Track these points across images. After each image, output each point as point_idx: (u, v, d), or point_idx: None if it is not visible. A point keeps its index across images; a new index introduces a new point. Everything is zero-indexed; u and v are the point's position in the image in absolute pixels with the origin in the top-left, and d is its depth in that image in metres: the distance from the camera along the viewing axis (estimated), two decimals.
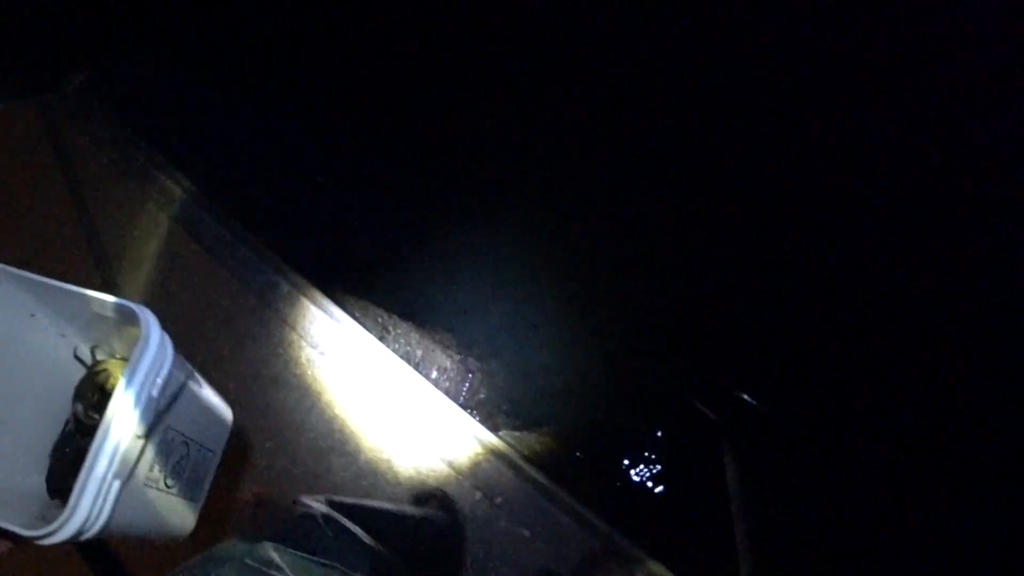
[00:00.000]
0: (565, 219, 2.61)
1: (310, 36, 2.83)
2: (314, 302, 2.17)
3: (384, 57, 2.75)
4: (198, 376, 1.38)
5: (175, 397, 1.27)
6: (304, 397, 2.09)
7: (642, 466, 2.33)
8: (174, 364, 1.26)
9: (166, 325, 1.29)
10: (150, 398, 1.19)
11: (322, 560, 1.32)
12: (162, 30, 2.81)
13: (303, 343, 2.15)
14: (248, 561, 1.23)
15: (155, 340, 1.20)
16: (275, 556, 1.24)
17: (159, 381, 1.21)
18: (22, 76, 2.50)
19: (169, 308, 2.27)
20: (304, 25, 2.84)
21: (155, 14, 2.78)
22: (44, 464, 1.44)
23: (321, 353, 2.14)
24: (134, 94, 2.67)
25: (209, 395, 1.47)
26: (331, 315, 2.18)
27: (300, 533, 1.41)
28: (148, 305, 1.25)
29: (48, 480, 1.43)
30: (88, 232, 2.32)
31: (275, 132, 2.75)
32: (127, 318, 1.25)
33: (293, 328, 2.12)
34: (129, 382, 1.14)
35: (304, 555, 1.30)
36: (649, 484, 2.30)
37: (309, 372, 2.10)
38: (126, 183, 2.39)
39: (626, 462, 2.36)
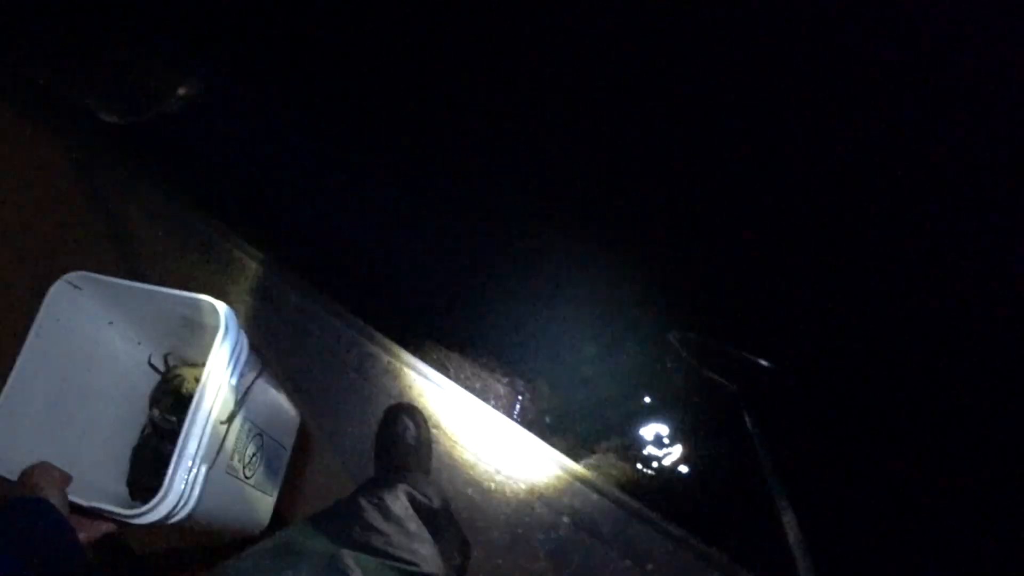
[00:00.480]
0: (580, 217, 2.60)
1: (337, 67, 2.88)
2: (410, 367, 2.12)
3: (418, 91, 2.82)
4: (268, 373, 1.45)
5: (249, 389, 1.34)
6: None
7: (689, 456, 2.30)
8: (250, 356, 1.34)
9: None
10: (231, 386, 1.27)
11: (395, 563, 1.36)
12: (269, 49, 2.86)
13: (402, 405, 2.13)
14: (335, 562, 1.25)
15: (233, 331, 1.27)
16: (351, 563, 1.27)
17: (238, 370, 1.29)
18: (129, 89, 2.58)
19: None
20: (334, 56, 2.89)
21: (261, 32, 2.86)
22: (124, 467, 1.51)
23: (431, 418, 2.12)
24: (180, 154, 2.73)
25: (278, 391, 1.54)
26: (424, 375, 2.13)
27: (368, 531, 1.44)
28: None
29: (129, 482, 1.50)
30: None
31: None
32: (204, 316, 1.33)
33: (393, 395, 2.10)
34: (212, 369, 1.22)
35: (380, 560, 1.33)
36: (707, 477, 2.27)
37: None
38: (186, 256, 2.33)
39: (674, 454, 2.32)
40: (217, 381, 1.23)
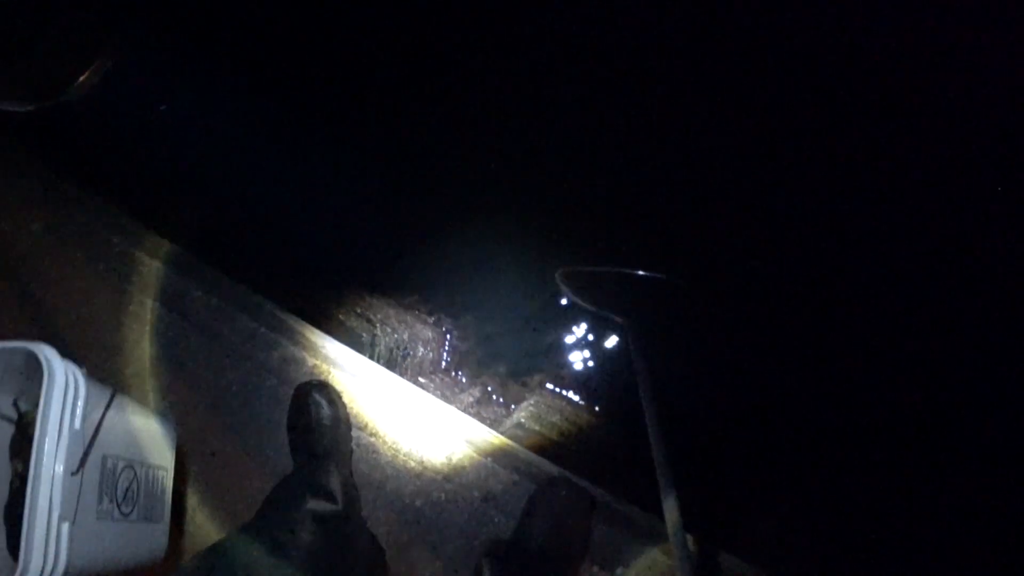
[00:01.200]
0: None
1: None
2: (339, 367, 2.04)
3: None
4: (123, 398, 1.34)
5: (99, 426, 1.24)
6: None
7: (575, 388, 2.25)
8: (90, 393, 1.23)
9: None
10: (73, 431, 1.16)
11: None
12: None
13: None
14: None
15: (59, 375, 1.16)
16: None
17: (78, 412, 1.18)
18: (33, 74, 2.31)
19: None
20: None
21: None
22: (1, 528, 1.42)
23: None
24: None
25: (139, 414, 1.44)
26: (356, 374, 2.03)
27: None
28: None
29: (9, 545, 1.41)
30: (32, 315, 2.09)
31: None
32: (29, 360, 1.21)
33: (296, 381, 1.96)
34: (44, 422, 1.11)
35: None
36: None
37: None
38: (72, 255, 2.12)
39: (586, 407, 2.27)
40: (55, 432, 1.12)
